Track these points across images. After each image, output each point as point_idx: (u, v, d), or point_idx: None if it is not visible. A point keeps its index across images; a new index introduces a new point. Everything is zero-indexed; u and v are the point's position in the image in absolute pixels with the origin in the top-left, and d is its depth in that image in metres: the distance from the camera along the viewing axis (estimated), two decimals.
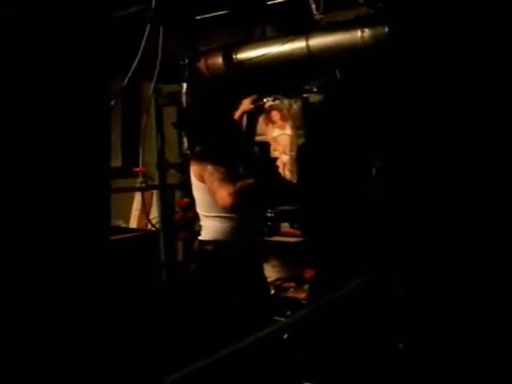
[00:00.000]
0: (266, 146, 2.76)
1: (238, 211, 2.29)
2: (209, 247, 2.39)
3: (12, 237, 0.87)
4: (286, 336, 2.45)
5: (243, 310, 2.30)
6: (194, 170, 2.38)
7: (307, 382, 2.48)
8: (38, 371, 0.89)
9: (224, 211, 2.29)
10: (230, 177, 2.23)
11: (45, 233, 0.91)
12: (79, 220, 0.98)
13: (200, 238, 2.47)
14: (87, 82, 1.00)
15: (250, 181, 2.28)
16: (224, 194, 2.19)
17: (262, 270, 2.56)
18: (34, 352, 0.89)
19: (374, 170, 3.14)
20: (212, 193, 2.26)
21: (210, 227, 2.39)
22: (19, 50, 0.86)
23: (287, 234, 3.43)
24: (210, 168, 2.26)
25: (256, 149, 2.60)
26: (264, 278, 2.58)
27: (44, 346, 0.91)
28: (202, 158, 2.35)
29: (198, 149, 2.46)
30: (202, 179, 2.32)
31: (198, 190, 2.40)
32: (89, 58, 1.00)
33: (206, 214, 2.39)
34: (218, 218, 2.34)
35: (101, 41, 1.03)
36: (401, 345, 2.53)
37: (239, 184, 2.22)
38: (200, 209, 2.44)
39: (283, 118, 3.30)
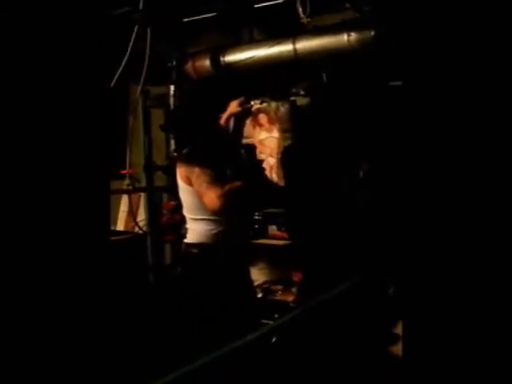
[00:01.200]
0: (251, 148, 2.77)
1: (225, 214, 2.27)
2: (195, 250, 2.38)
3: (13, 236, 0.87)
4: (274, 339, 2.45)
5: (229, 312, 2.30)
6: (180, 172, 2.37)
7: None
8: (32, 365, 0.90)
9: (211, 214, 2.27)
10: (217, 179, 2.22)
11: (44, 235, 0.92)
12: (80, 222, 0.98)
13: (186, 240, 2.46)
14: (85, 84, 1.01)
15: (238, 183, 2.27)
16: (213, 197, 2.17)
17: (248, 273, 2.56)
18: (31, 345, 0.90)
19: (361, 173, 3.17)
20: (200, 195, 2.25)
21: (196, 230, 2.38)
22: (17, 52, 0.86)
23: (274, 236, 3.43)
24: (197, 170, 2.24)
25: (242, 151, 2.60)
26: (250, 281, 2.58)
27: (41, 341, 0.91)
28: (189, 160, 2.34)
29: (185, 151, 2.45)
30: (188, 182, 2.31)
31: (184, 193, 2.38)
32: (86, 59, 1.00)
33: (193, 217, 2.38)
34: (204, 221, 2.33)
35: (98, 42, 1.03)
36: (391, 346, 2.55)
37: (228, 186, 2.21)
38: (187, 211, 2.43)
39: (270, 121, 3.31)
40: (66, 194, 0.96)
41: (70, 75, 0.97)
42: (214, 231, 2.32)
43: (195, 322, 2.37)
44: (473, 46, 0.99)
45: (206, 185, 2.21)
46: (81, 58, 0.99)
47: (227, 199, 2.17)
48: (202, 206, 2.27)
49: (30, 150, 0.89)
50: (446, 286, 1.03)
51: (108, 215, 1.11)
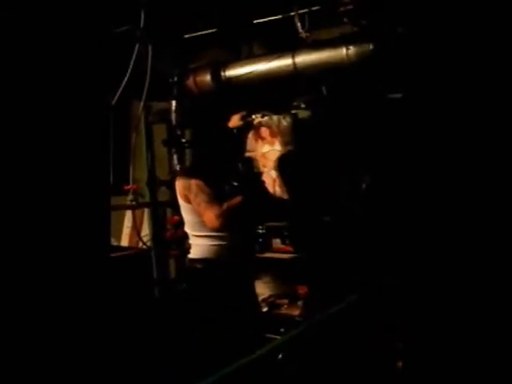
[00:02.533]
0: (250, 161, 2.77)
1: (227, 230, 2.28)
2: (199, 265, 2.38)
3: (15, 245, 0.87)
4: (280, 356, 2.41)
5: (233, 327, 2.29)
6: (179, 189, 2.37)
7: None
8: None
9: (213, 230, 2.28)
10: (216, 197, 2.23)
11: (46, 248, 0.92)
12: (80, 236, 0.99)
13: (190, 256, 2.46)
14: (88, 100, 1.02)
15: (237, 199, 2.27)
16: (212, 217, 2.19)
17: (252, 286, 2.54)
18: (33, 361, 0.90)
19: (363, 186, 3.16)
20: (199, 214, 2.26)
21: (199, 246, 2.38)
22: (22, 68, 0.88)
23: (279, 250, 3.42)
24: (194, 188, 2.25)
25: (239, 165, 2.61)
26: (254, 295, 2.57)
27: (44, 354, 0.92)
28: (188, 175, 2.35)
29: (186, 165, 2.46)
30: (187, 199, 2.32)
31: (185, 211, 2.39)
32: (89, 75, 1.02)
33: (195, 234, 2.38)
34: (206, 237, 2.33)
35: (101, 59, 1.05)
36: (400, 364, 2.51)
37: (226, 204, 2.22)
38: (188, 228, 2.43)
39: (272, 134, 3.33)
40: (68, 208, 0.97)
41: (74, 91, 0.98)
42: (217, 246, 2.33)
43: (200, 335, 2.36)
44: (470, 58, 1.00)
45: (204, 204, 2.22)
46: (84, 75, 1.01)
47: (226, 218, 2.19)
48: (202, 222, 2.28)
49: (33, 166, 0.91)
50: (446, 295, 1.02)
51: (108, 230, 1.11)
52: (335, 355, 2.56)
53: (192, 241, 2.44)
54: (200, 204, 2.23)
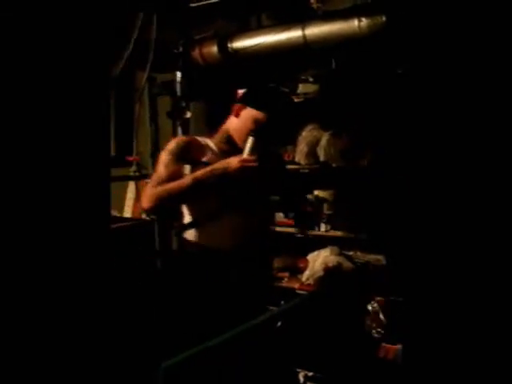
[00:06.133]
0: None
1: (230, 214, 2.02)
2: (194, 250, 2.10)
3: (14, 226, 0.86)
4: (279, 324, 2.45)
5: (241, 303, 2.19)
6: None
7: (300, 368, 2.51)
8: (35, 352, 0.90)
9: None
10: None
11: (46, 223, 0.91)
12: (80, 209, 0.98)
13: (189, 238, 2.16)
14: (87, 71, 0.99)
15: (185, 181, 1.93)
16: (144, 195, 1.96)
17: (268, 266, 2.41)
18: (33, 332, 0.90)
19: (365, 162, 3.13)
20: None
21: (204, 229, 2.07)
22: (21, 38, 0.84)
23: (281, 224, 3.42)
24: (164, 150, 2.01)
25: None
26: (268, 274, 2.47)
27: (46, 328, 0.92)
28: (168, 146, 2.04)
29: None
30: None
31: None
32: (91, 46, 0.99)
33: (185, 211, 2.09)
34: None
35: (104, 28, 1.01)
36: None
37: (161, 188, 1.89)
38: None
39: None
40: (68, 182, 0.96)
41: (75, 62, 0.95)
42: (206, 231, 2.04)
43: (205, 309, 2.34)
44: (484, 38, 0.96)
45: (152, 181, 1.94)
46: (86, 45, 0.97)
47: (156, 202, 1.88)
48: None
49: (33, 139, 0.89)
50: (449, 294, 1.01)
51: (108, 202, 1.10)
52: (331, 324, 2.61)
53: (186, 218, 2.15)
54: (152, 177, 1.98)
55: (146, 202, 1.90)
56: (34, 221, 0.90)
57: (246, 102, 2.03)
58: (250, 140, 1.93)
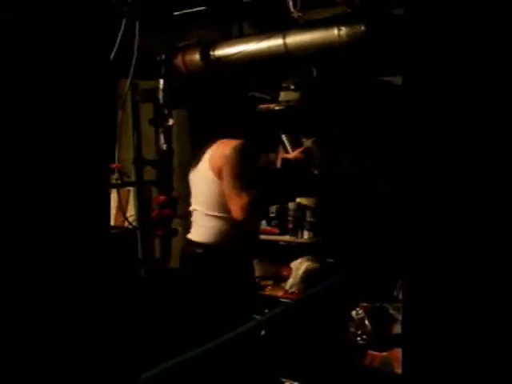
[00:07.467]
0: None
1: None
2: (200, 250, 2.21)
3: (13, 229, 0.86)
4: (263, 332, 2.45)
5: (233, 312, 2.20)
6: (212, 160, 2.15)
7: (284, 378, 2.50)
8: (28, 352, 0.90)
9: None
10: (249, 185, 2.06)
11: (46, 227, 0.91)
12: (81, 213, 0.98)
13: (191, 237, 2.28)
14: (86, 78, 0.99)
15: (260, 191, 2.11)
16: (239, 206, 2.04)
17: (253, 271, 2.47)
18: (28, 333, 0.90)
19: (347, 169, 3.17)
20: (228, 197, 2.07)
21: (207, 228, 2.19)
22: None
23: (265, 231, 3.42)
24: (234, 168, 2.06)
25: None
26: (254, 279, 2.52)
27: (40, 329, 0.92)
28: (241, 152, 2.11)
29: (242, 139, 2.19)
30: (219, 175, 2.11)
31: (209, 184, 2.16)
32: (87, 54, 0.99)
33: (210, 213, 2.19)
34: (222, 220, 2.15)
35: (99, 36, 1.02)
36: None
37: (252, 196, 2.04)
38: (202, 205, 2.22)
39: None
40: (69, 185, 0.96)
41: (70, 72, 0.95)
42: (229, 231, 2.17)
43: (189, 318, 2.33)
44: (467, 42, 0.97)
45: (236, 191, 2.04)
46: (82, 54, 0.97)
47: (252, 210, 2.04)
48: (226, 203, 2.09)
49: (30, 148, 0.88)
50: (449, 294, 1.01)
51: (108, 209, 1.10)
52: (315, 332, 2.61)
53: (199, 220, 2.25)
54: (234, 187, 2.04)
55: None
56: (34, 224, 0.89)
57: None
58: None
